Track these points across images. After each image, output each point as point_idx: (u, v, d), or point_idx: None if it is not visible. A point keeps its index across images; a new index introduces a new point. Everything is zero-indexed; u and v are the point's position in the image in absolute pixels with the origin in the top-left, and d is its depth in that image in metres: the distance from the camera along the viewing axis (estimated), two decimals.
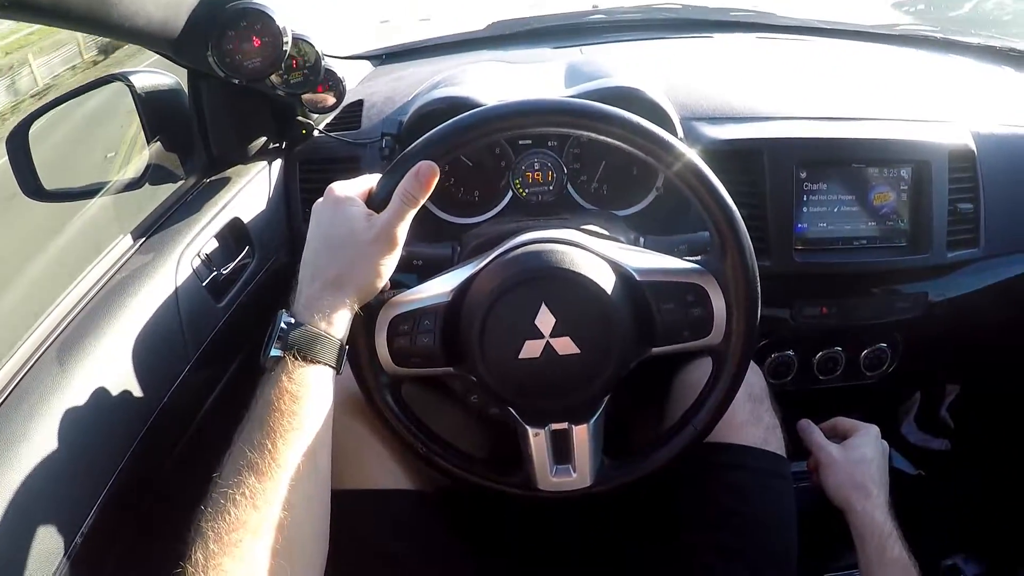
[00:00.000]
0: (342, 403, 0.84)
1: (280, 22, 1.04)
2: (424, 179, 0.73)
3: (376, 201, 0.74)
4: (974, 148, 1.19)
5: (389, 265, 0.74)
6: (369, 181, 0.77)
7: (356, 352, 0.78)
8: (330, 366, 0.70)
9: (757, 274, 0.79)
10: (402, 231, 0.73)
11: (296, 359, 0.67)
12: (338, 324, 0.71)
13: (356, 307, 0.73)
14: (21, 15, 0.71)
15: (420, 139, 0.76)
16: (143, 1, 0.84)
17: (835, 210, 1.19)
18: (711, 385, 0.85)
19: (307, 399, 0.67)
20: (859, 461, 1.03)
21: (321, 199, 0.76)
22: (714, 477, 0.94)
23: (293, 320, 0.69)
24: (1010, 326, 1.32)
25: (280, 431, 0.64)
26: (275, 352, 0.68)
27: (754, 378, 1.04)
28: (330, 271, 0.72)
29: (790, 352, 1.30)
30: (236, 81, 1.05)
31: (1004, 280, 1.25)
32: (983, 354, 1.44)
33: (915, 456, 1.53)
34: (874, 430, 1.09)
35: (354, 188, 0.76)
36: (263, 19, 1.03)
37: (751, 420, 0.99)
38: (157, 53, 1.05)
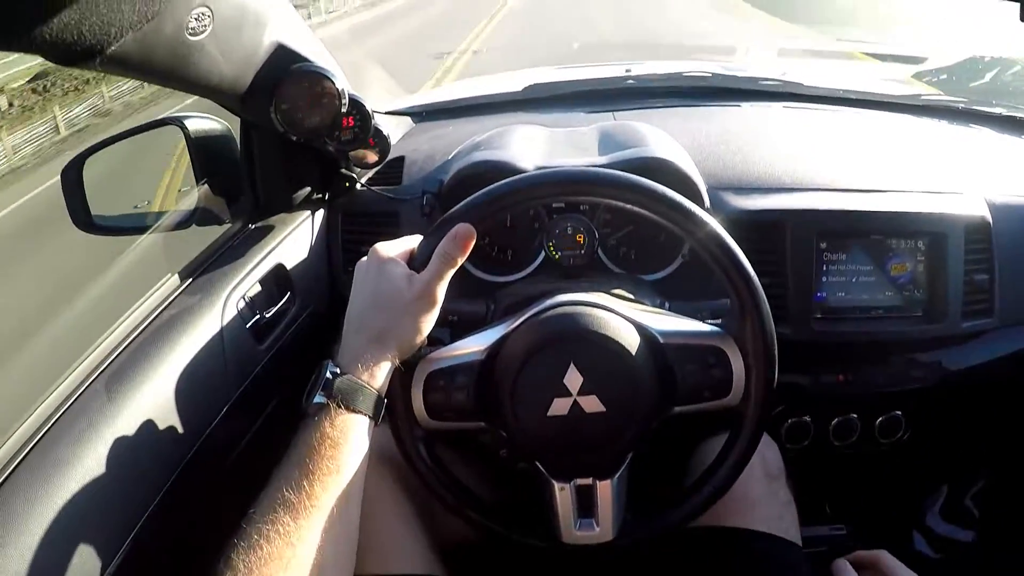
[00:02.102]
0: (378, 455, 0.88)
1: (339, 84, 1.10)
2: (462, 241, 0.78)
3: (417, 261, 0.79)
4: (990, 219, 1.22)
5: (429, 322, 0.79)
6: (410, 242, 0.82)
7: (393, 405, 0.82)
8: (369, 416, 0.74)
9: (775, 338, 0.82)
10: (441, 290, 0.78)
11: (339, 407, 0.71)
12: (379, 376, 0.75)
13: (397, 361, 0.77)
14: (114, 70, 0.78)
15: (460, 203, 0.82)
16: (218, 61, 0.90)
17: (854, 280, 1.22)
18: (729, 444, 0.87)
19: (346, 446, 0.71)
20: None
21: (365, 258, 0.81)
22: (726, 565, 0.97)
23: (338, 370, 0.74)
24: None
25: (318, 474, 0.68)
26: (319, 399, 0.72)
27: (771, 455, 1.07)
28: (374, 327, 0.77)
29: (807, 418, 1.32)
30: (293, 138, 1.10)
31: (1018, 350, 1.26)
32: (1000, 434, 1.45)
33: (940, 547, 1.52)
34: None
35: (396, 249, 0.81)
36: (324, 82, 1.09)
37: (767, 496, 1.01)
38: (224, 107, 1.11)
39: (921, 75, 2.33)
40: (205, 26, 0.83)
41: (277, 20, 1.01)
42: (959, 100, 1.71)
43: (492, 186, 0.82)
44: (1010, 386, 1.32)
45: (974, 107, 1.66)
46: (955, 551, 1.51)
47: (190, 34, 0.82)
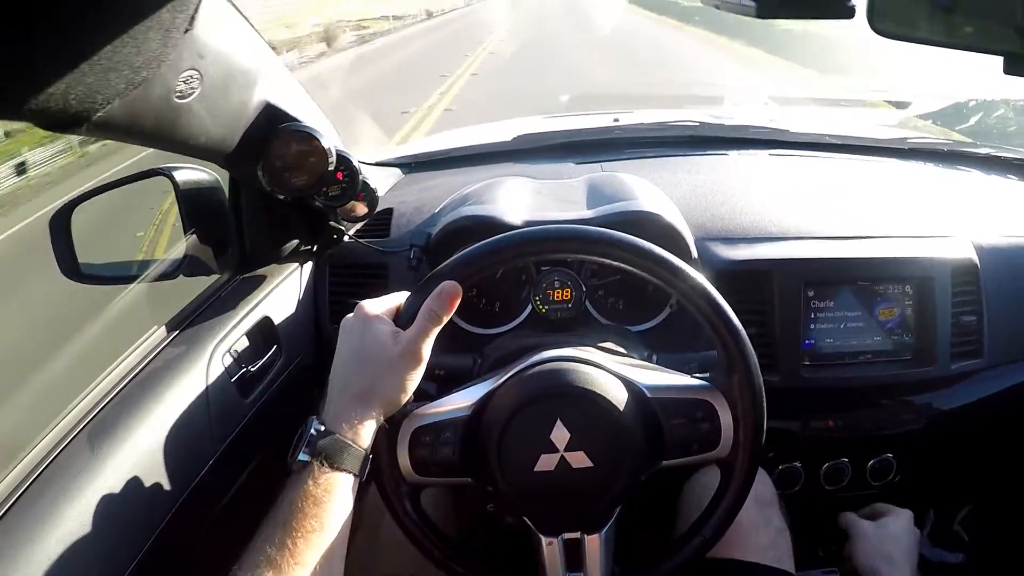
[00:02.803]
0: (361, 510, 0.87)
1: (327, 143, 1.10)
2: (448, 299, 0.79)
3: (403, 319, 0.79)
4: (977, 261, 1.23)
5: (414, 379, 0.78)
6: (396, 299, 0.83)
7: (379, 462, 0.81)
8: (354, 474, 0.73)
9: (763, 390, 0.83)
10: (427, 347, 0.78)
11: (323, 465, 0.71)
12: (364, 434, 0.75)
13: (382, 419, 0.77)
14: (101, 134, 0.79)
15: (447, 261, 0.83)
16: (205, 122, 0.91)
17: (842, 326, 1.23)
18: (719, 495, 0.87)
19: (329, 504, 0.70)
20: (889, 536, 1.06)
21: (351, 315, 0.81)
22: None
23: (323, 428, 0.73)
24: (1015, 436, 1.33)
25: (301, 532, 0.67)
26: (303, 457, 0.72)
27: (761, 485, 1.07)
28: (359, 384, 0.76)
29: (797, 463, 1.31)
30: (280, 196, 1.10)
31: (1007, 388, 1.27)
32: (992, 469, 1.45)
33: (930, 571, 1.51)
34: (907, 513, 1.12)
35: (382, 306, 0.81)
36: (311, 140, 1.09)
37: (760, 523, 1.02)
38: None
39: (906, 121, 2.37)
40: (193, 88, 0.84)
41: (266, 79, 1.02)
42: (945, 142, 1.73)
43: (479, 244, 0.83)
44: (999, 424, 1.33)
45: (960, 148, 1.68)
46: (946, 574, 1.50)
47: (178, 97, 0.82)
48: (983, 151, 1.66)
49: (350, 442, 0.73)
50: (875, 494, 1.34)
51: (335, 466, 0.72)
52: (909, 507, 1.35)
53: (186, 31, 0.77)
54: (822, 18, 0.71)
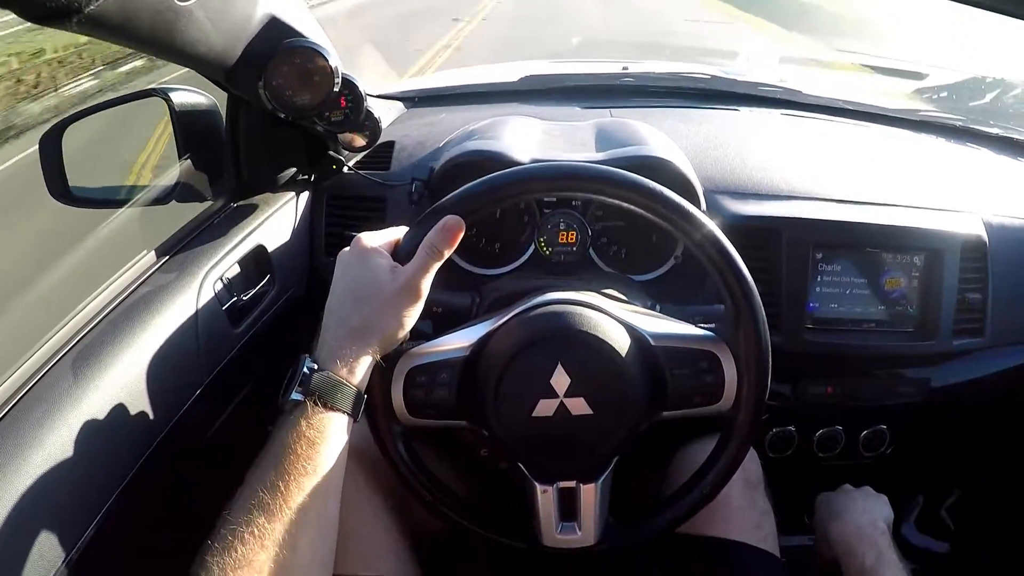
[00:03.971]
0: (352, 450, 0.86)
1: (333, 62, 1.05)
2: (450, 233, 0.75)
3: (402, 253, 0.76)
4: (986, 239, 1.22)
5: (412, 316, 0.75)
6: (395, 233, 0.79)
7: (372, 401, 0.79)
8: (348, 414, 0.71)
9: (769, 344, 0.81)
10: (426, 283, 0.75)
11: (316, 405, 0.69)
12: (359, 373, 0.72)
13: (377, 356, 0.74)
14: (92, 31, 0.73)
15: (450, 194, 0.79)
16: (206, 30, 0.86)
17: (847, 292, 1.21)
18: (719, 450, 0.86)
19: (323, 445, 0.68)
20: (864, 515, 1.05)
21: (347, 248, 0.78)
22: (704, 575, 0.96)
23: (316, 366, 0.71)
24: (1009, 419, 1.33)
25: (294, 474, 0.66)
26: (296, 396, 0.69)
27: (751, 464, 1.06)
28: (354, 320, 0.73)
29: (791, 428, 1.31)
30: (282, 115, 1.06)
31: (1006, 369, 1.27)
32: (982, 454, 1.46)
33: (915, 558, 1.53)
34: (883, 497, 1.11)
35: (380, 239, 0.78)
36: (317, 58, 1.05)
37: (746, 505, 1.01)
38: (209, 79, 1.07)
39: (921, 91, 2.33)
40: None
41: None
42: (957, 118, 1.71)
43: (486, 177, 0.79)
44: (994, 405, 1.33)
45: (972, 126, 1.66)
46: (930, 562, 1.52)
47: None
48: (995, 131, 1.63)
49: (344, 381, 0.71)
50: (866, 465, 1.35)
51: (329, 405, 0.69)
52: (899, 487, 1.36)
53: None
54: None
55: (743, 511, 1.00)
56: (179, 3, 0.78)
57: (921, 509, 1.56)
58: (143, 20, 0.76)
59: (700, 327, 0.85)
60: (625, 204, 0.79)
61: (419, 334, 0.83)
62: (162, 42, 0.83)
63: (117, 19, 0.72)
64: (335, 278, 0.77)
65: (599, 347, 0.78)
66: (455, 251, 0.77)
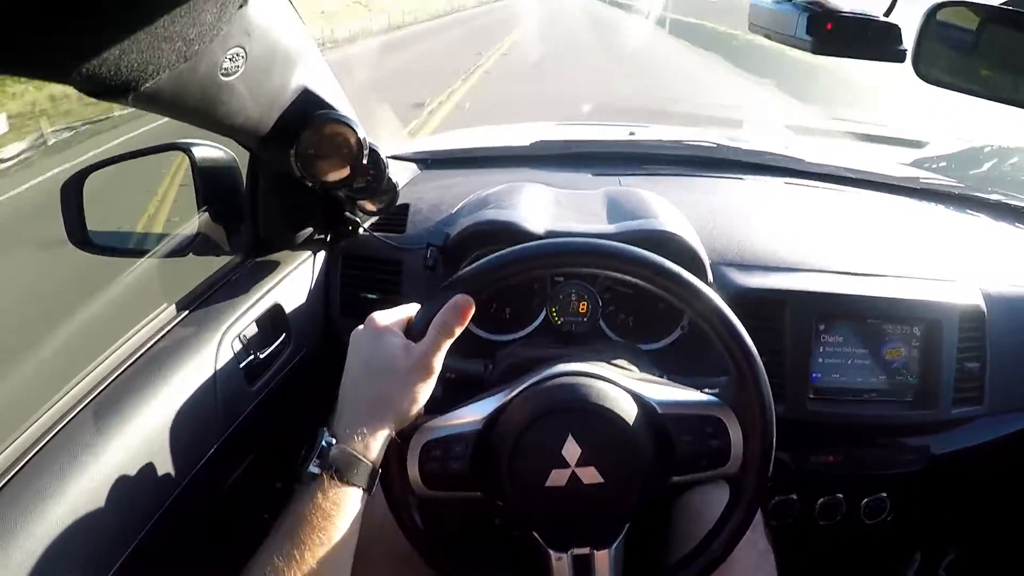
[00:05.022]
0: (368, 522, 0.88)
1: (361, 134, 1.08)
2: (461, 312, 0.78)
3: (415, 331, 0.79)
4: (984, 309, 1.24)
5: (426, 392, 0.78)
6: (407, 311, 0.82)
7: (388, 475, 0.81)
8: (363, 488, 0.73)
9: (773, 405, 0.82)
10: (438, 361, 0.78)
11: (333, 479, 0.71)
12: (375, 448, 0.74)
13: (392, 432, 0.77)
14: (143, 106, 0.77)
15: (463, 270, 0.82)
16: (246, 101, 0.90)
17: (849, 362, 1.23)
18: (729, 511, 0.87)
19: (338, 518, 0.70)
20: None
21: (361, 327, 0.81)
22: None
23: (333, 440, 0.73)
24: (1007, 484, 1.34)
25: (309, 544, 0.68)
26: (313, 469, 0.71)
27: None
28: (370, 397, 0.76)
29: (793, 496, 1.31)
30: (309, 184, 1.08)
31: (1003, 436, 1.28)
32: (981, 516, 1.45)
33: None
34: None
35: (393, 317, 0.81)
36: (347, 132, 1.07)
37: (745, 546, 1.00)
38: (244, 146, 1.10)
39: (921, 161, 2.37)
40: (238, 67, 0.83)
41: (304, 63, 1.01)
42: (957, 185, 1.73)
43: (498, 253, 0.82)
44: (993, 470, 1.33)
45: (971, 192, 1.69)
46: None
47: (223, 74, 0.82)
48: (994, 197, 1.66)
49: (360, 456, 0.73)
50: (866, 532, 1.35)
51: (344, 480, 0.71)
52: (898, 546, 1.36)
53: (240, 6, 0.76)
54: (875, 59, 0.72)
55: (743, 552, 0.99)
56: (224, 78, 0.82)
57: (919, 567, 1.55)
58: (191, 95, 0.80)
59: (705, 392, 0.87)
60: (636, 280, 0.81)
61: (432, 399, 0.84)
62: (206, 114, 0.87)
63: (169, 95, 0.76)
64: (349, 356, 0.80)
65: (608, 417, 0.80)
66: None
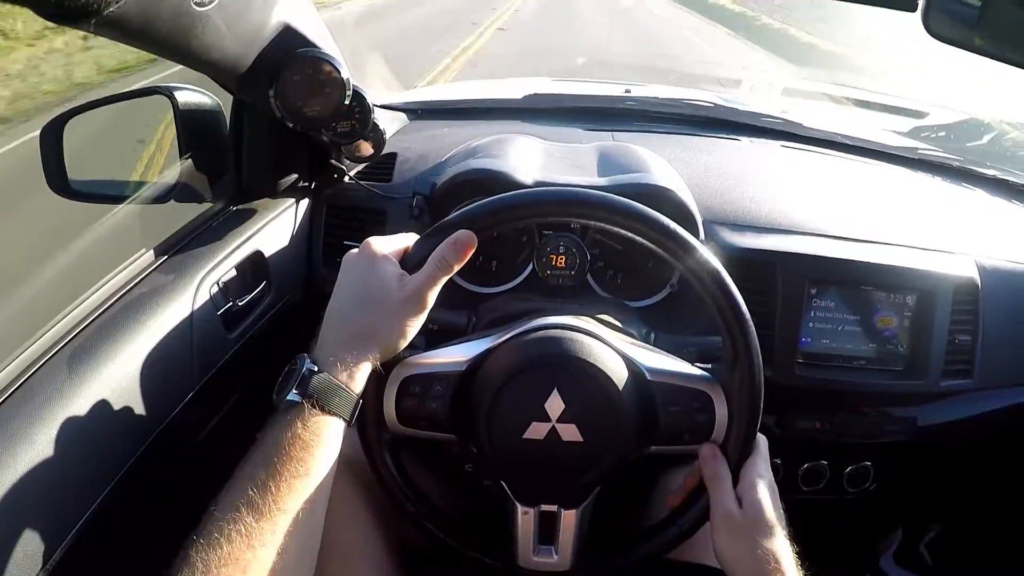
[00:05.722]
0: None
1: (344, 74, 1.05)
2: (462, 247, 0.75)
3: (411, 262, 0.76)
4: (979, 282, 1.23)
5: (415, 326, 0.75)
6: (404, 240, 0.79)
7: (364, 407, 0.78)
8: (345, 419, 0.70)
9: (762, 390, 0.81)
10: (433, 295, 0.75)
11: (314, 407, 0.68)
12: (358, 378, 0.72)
13: (377, 363, 0.74)
14: (109, 33, 0.73)
15: (459, 210, 0.79)
16: (222, 35, 0.86)
17: (839, 328, 1.22)
18: (701, 488, 0.85)
19: (317, 449, 0.67)
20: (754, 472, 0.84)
21: (355, 251, 0.77)
22: None
23: (316, 368, 0.70)
24: (992, 460, 1.34)
25: (286, 475, 0.65)
26: (293, 397, 0.68)
27: None
28: (358, 325, 0.73)
29: (777, 460, 1.30)
30: (291, 125, 1.05)
31: (992, 411, 1.27)
32: (964, 492, 1.46)
33: None
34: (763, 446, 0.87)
35: (390, 246, 0.77)
36: (329, 69, 1.04)
37: None
38: (221, 85, 1.06)
39: (920, 130, 2.34)
40: None
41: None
42: (955, 158, 1.72)
43: (495, 196, 0.79)
44: (979, 446, 1.33)
45: (969, 166, 1.67)
46: None
47: (196, 4, 0.78)
48: (991, 172, 1.65)
49: (343, 385, 0.70)
50: (849, 500, 1.35)
51: (326, 409, 0.68)
52: (879, 520, 1.36)
53: None
54: (887, 7, 0.69)
55: None
56: (197, 8, 0.78)
57: (900, 543, 1.56)
58: (160, 23, 0.76)
59: (697, 366, 0.85)
60: (629, 233, 0.78)
61: (411, 348, 0.82)
62: (178, 46, 0.83)
63: (136, 23, 0.72)
64: (340, 280, 0.77)
65: (597, 376, 0.78)
66: None
